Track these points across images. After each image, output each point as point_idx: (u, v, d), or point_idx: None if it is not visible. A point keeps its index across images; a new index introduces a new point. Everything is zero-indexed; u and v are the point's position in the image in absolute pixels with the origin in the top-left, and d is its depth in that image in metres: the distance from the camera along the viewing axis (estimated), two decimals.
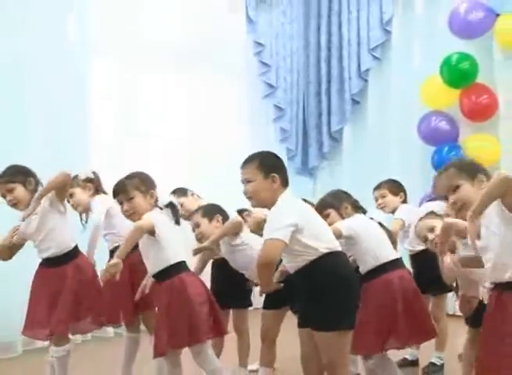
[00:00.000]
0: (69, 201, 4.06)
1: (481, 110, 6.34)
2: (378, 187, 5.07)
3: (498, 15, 6.17)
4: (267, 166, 3.30)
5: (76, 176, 4.11)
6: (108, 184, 3.95)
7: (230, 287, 4.14)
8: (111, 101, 5.92)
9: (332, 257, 3.14)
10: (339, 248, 3.20)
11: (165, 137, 6.05)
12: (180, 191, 4.57)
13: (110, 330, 5.54)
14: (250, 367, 4.42)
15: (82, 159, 5.15)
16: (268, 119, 7.04)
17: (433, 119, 6.51)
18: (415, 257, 4.58)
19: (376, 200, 5.06)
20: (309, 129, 7.29)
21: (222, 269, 4.19)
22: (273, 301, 4.05)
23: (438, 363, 4.53)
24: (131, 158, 5.78)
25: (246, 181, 3.31)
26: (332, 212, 3.89)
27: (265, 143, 6.82)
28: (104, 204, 4.10)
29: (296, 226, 3.12)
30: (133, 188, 3.53)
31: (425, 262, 4.37)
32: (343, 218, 3.85)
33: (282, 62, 6.99)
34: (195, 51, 6.28)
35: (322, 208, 3.86)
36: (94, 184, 4.18)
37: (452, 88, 6.38)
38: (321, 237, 3.15)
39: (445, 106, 6.53)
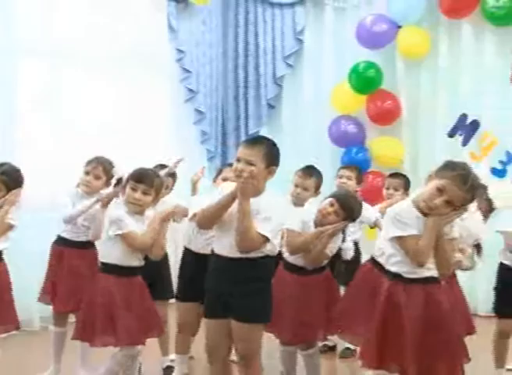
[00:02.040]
0: None
1: (386, 114, 6.71)
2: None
3: (400, 27, 6.59)
4: (273, 156, 3.24)
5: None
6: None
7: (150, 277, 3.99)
8: (37, 103, 5.91)
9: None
10: None
11: (90, 139, 6.01)
12: None
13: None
14: (171, 357, 4.55)
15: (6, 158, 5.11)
16: (190, 122, 7.15)
17: (342, 122, 6.83)
18: None
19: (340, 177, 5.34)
20: (228, 131, 7.40)
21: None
22: (186, 293, 4.20)
23: (352, 348, 4.86)
24: (57, 159, 5.82)
25: (246, 162, 3.17)
26: None
27: (187, 144, 7.00)
28: None
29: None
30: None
31: None
32: None
33: (202, 69, 7.11)
34: (121, 57, 6.42)
35: None
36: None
37: (359, 94, 6.72)
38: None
39: (353, 111, 6.85)
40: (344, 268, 4.40)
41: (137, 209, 3.59)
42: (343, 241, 4.02)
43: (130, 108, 6.50)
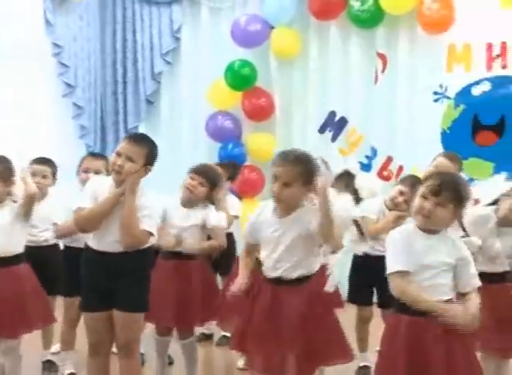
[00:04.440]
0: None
1: (261, 111, 6.93)
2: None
3: (273, 27, 6.82)
4: (153, 156, 3.30)
5: None
6: None
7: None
8: None
9: None
10: None
11: None
12: None
13: None
14: (53, 349, 4.63)
15: None
16: (68, 117, 7.15)
17: (219, 118, 6.99)
18: None
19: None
20: (107, 126, 7.40)
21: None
22: (70, 288, 4.19)
23: (228, 335, 4.87)
24: None
25: (127, 158, 3.21)
26: None
27: (65, 139, 7.01)
28: None
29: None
30: None
31: None
32: None
33: (80, 63, 7.14)
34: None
35: None
36: None
37: (235, 91, 6.90)
38: None
39: (229, 107, 7.02)
40: (220, 258, 4.68)
41: None
42: None
43: (8, 103, 6.47)
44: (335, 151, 6.80)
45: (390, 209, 4.41)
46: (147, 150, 3.29)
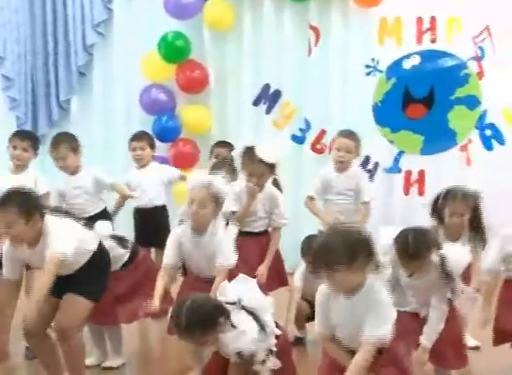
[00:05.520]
0: None
1: (195, 83, 6.91)
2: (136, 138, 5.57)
3: None
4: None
5: None
6: None
7: None
8: None
9: None
10: None
11: None
12: None
13: None
14: None
15: None
16: None
17: (153, 91, 6.94)
18: None
19: (134, 150, 5.55)
20: (38, 98, 7.28)
21: None
22: None
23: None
24: None
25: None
26: None
27: None
28: None
29: None
30: None
31: None
32: None
33: (8, 35, 6.99)
34: None
35: None
36: None
37: (169, 63, 6.86)
38: None
39: (163, 79, 6.97)
40: (154, 232, 4.75)
41: None
42: None
43: None
44: (269, 123, 6.87)
45: None
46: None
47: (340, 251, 2.71)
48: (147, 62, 6.97)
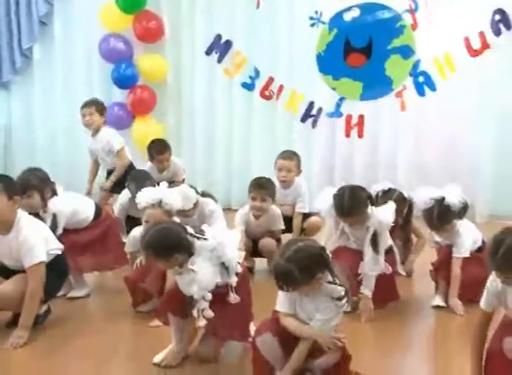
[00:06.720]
0: None
1: (151, 33, 7.29)
2: (85, 105, 5.93)
3: None
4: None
5: None
6: None
7: None
8: None
9: None
10: None
11: None
12: None
13: None
14: None
15: None
16: None
17: (111, 40, 7.29)
18: None
19: (84, 116, 5.92)
20: (1, 46, 7.61)
21: None
22: None
23: None
24: None
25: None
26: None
27: None
28: None
29: None
30: None
31: None
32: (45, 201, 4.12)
33: None
34: None
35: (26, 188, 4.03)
36: None
37: (126, 14, 7.19)
38: None
39: (121, 29, 7.32)
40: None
41: None
42: None
43: None
44: (221, 71, 7.32)
45: None
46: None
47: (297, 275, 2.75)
48: (105, 13, 7.28)
